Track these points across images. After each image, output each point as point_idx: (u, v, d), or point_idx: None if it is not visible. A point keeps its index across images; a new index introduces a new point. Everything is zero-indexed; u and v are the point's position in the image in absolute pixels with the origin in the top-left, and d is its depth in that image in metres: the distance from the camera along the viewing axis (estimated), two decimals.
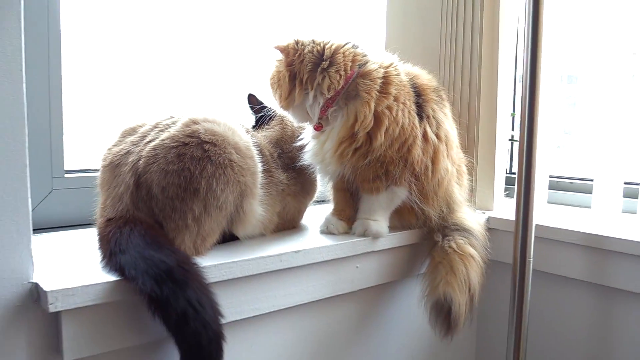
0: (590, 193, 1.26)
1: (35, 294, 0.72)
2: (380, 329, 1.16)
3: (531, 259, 1.06)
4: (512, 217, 1.20)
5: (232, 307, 0.87)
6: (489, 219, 1.29)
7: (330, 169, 1.02)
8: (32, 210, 1.00)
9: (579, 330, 1.19)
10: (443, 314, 1.02)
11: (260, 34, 1.33)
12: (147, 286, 0.73)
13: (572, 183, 1.45)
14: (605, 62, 1.21)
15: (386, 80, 0.98)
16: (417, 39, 1.36)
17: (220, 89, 1.32)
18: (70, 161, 1.09)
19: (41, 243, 0.93)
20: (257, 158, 0.95)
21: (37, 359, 0.74)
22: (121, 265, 0.76)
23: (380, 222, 1.06)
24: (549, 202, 1.40)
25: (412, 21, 1.38)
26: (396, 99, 0.98)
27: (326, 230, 1.06)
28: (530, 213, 1.04)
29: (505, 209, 1.36)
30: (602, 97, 1.23)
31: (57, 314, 0.72)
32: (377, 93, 0.96)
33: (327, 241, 1.01)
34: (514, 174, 1.45)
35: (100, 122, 1.17)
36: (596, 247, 1.12)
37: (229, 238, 0.96)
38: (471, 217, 1.14)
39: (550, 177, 1.43)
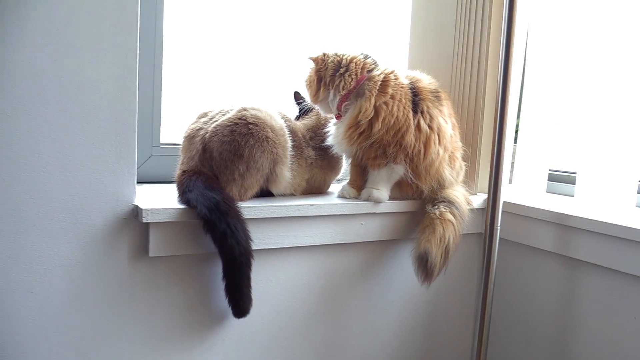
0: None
1: (135, 211, 1.15)
2: (383, 277, 1.49)
3: (498, 227, 1.34)
4: (509, 199, 1.50)
5: (261, 238, 1.26)
6: (486, 200, 1.57)
7: (342, 147, 1.36)
8: (137, 169, 1.45)
9: (545, 294, 1.45)
10: (423, 264, 1.33)
11: (306, 46, 1.71)
12: (202, 212, 1.12)
13: (569, 176, 1.67)
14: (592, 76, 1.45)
15: (385, 83, 1.31)
16: (435, 50, 1.67)
17: (276, 87, 1.71)
18: (165, 136, 1.54)
19: (142, 190, 1.37)
20: (287, 137, 1.32)
21: (134, 253, 1.17)
22: (188, 199, 1.16)
23: (381, 191, 1.39)
24: (555, 193, 1.65)
25: (431, 36, 1.69)
26: (392, 97, 1.31)
27: (341, 195, 1.41)
28: (499, 189, 1.33)
29: (505, 193, 1.62)
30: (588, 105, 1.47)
31: (147, 225, 1.14)
32: (377, 92, 1.30)
33: (338, 201, 1.36)
34: (557, 171, 1.69)
35: (185, 110, 1.60)
36: (562, 224, 1.38)
37: (266, 194, 1.35)
38: (458, 193, 1.43)
39: (556, 171, 1.67)
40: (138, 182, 1.42)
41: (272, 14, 1.72)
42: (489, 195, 1.35)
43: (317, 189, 1.47)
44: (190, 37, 1.63)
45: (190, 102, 1.62)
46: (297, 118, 1.55)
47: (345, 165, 1.53)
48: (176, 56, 1.57)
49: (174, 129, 1.53)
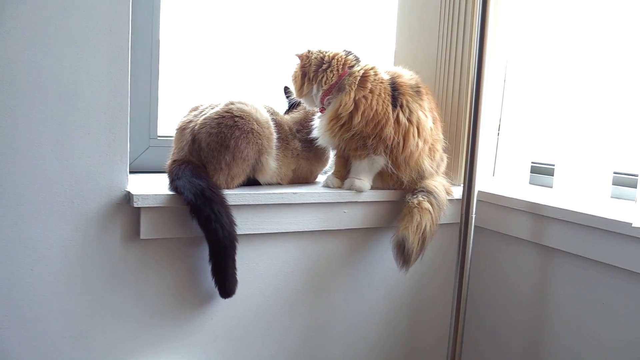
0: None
1: (128, 197, 1.24)
2: (366, 263, 1.56)
3: (473, 215, 1.41)
4: (490, 190, 1.57)
5: (247, 224, 1.34)
6: None
7: (325, 139, 1.44)
8: (136, 159, 1.55)
9: (521, 280, 1.51)
10: (401, 250, 1.40)
11: (298, 42, 1.78)
12: (188, 198, 1.21)
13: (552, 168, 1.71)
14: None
15: (364, 78, 1.39)
16: (420, 48, 1.73)
17: (268, 81, 1.79)
18: (162, 129, 1.63)
19: (139, 178, 1.46)
20: (273, 129, 1.40)
21: (126, 236, 1.26)
22: (177, 186, 1.25)
23: (363, 181, 1.46)
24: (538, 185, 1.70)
25: (416, 34, 1.75)
26: (372, 91, 1.38)
27: (325, 184, 1.49)
28: (473, 179, 1.39)
29: (489, 184, 1.68)
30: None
31: (138, 209, 1.23)
32: (356, 86, 1.38)
33: (322, 190, 1.44)
34: (540, 163, 1.73)
35: (182, 104, 1.69)
36: (538, 214, 1.44)
37: (253, 183, 1.43)
38: (437, 183, 1.49)
39: (539, 163, 1.73)
40: (136, 172, 1.53)
41: (266, 12, 1.80)
42: (464, 185, 1.42)
43: (303, 179, 1.55)
44: (186, 33, 1.72)
45: (187, 96, 1.71)
46: (287, 112, 1.63)
47: (332, 156, 1.60)
48: (173, 52, 1.66)
49: (171, 122, 1.62)
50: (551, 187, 1.66)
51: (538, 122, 1.64)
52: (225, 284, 1.28)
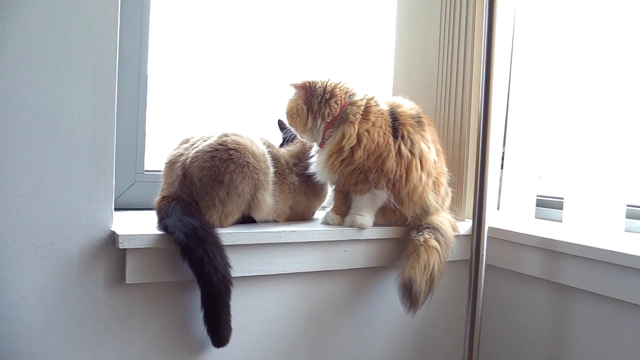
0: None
1: (112, 237, 1.13)
2: (369, 305, 1.46)
3: (484, 253, 1.32)
4: (496, 225, 1.49)
5: (241, 265, 1.23)
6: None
7: (325, 175, 1.35)
8: (121, 195, 1.45)
9: (535, 321, 1.41)
10: (408, 292, 1.31)
11: (289, 72, 1.72)
12: (179, 238, 1.11)
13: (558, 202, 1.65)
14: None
15: (367, 109, 1.31)
16: (419, 77, 1.68)
17: (260, 114, 1.72)
18: (149, 163, 1.53)
19: (124, 216, 1.36)
20: (269, 162, 1.32)
21: (110, 280, 1.15)
22: (166, 225, 1.15)
23: (365, 217, 1.37)
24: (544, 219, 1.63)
25: (415, 62, 1.70)
26: (374, 124, 1.31)
27: (325, 222, 1.40)
28: (483, 215, 1.31)
29: (495, 219, 1.60)
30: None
31: (124, 250, 1.12)
32: (360, 118, 1.30)
33: (321, 227, 1.34)
34: (545, 196, 1.68)
35: (171, 136, 1.61)
36: (550, 249, 1.36)
37: (248, 220, 1.34)
38: (443, 219, 1.41)
39: (545, 197, 1.66)
40: (121, 209, 1.43)
41: (256, 41, 1.74)
42: (473, 221, 1.34)
43: (301, 216, 1.46)
44: (175, 63, 1.65)
45: (175, 128, 1.63)
46: (281, 145, 1.54)
47: (330, 191, 1.52)
48: (161, 82, 1.59)
49: (159, 155, 1.53)
50: (558, 220, 1.60)
51: (544, 154, 1.58)
52: (219, 332, 1.17)
